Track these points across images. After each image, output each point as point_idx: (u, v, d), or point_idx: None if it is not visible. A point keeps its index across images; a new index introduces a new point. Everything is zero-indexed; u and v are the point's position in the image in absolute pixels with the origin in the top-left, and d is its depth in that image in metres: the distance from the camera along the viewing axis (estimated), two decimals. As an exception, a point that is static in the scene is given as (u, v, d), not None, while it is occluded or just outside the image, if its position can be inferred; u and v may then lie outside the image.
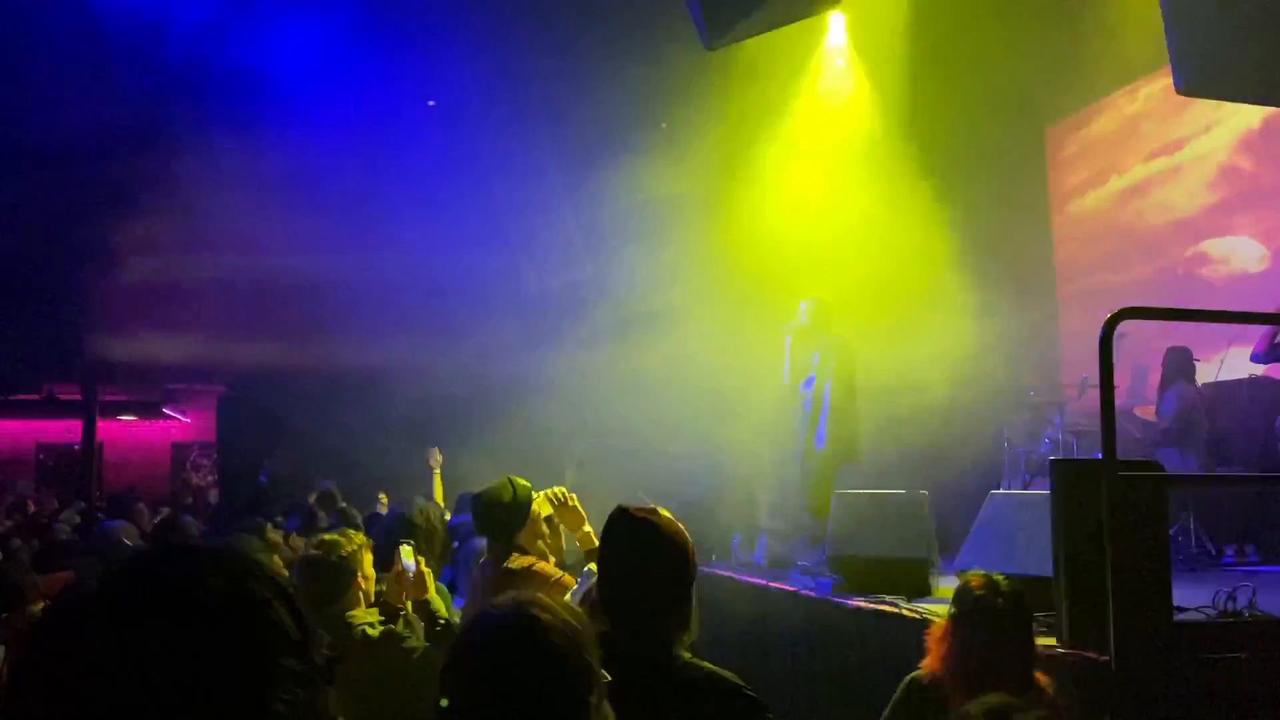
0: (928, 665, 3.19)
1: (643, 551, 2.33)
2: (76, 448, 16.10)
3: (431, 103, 11.75)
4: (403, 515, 4.72)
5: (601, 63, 11.22)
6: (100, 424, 15.97)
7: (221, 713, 1.01)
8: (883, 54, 10.48)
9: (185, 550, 1.14)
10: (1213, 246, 9.60)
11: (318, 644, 1.12)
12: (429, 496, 7.46)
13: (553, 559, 3.99)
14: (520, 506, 3.86)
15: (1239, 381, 7.62)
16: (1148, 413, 8.20)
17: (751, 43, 9.24)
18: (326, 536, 4.09)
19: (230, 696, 1.01)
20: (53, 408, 17.22)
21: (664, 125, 11.96)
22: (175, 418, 18.84)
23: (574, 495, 3.87)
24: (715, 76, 10.98)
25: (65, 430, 17.27)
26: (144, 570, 1.08)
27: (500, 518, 3.86)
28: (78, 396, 15.89)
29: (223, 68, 10.35)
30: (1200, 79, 4.41)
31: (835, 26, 10.98)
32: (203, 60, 10.26)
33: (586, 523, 3.80)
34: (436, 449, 8.37)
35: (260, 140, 10.59)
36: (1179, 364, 7.57)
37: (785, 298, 10.51)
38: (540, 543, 3.95)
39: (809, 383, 8.00)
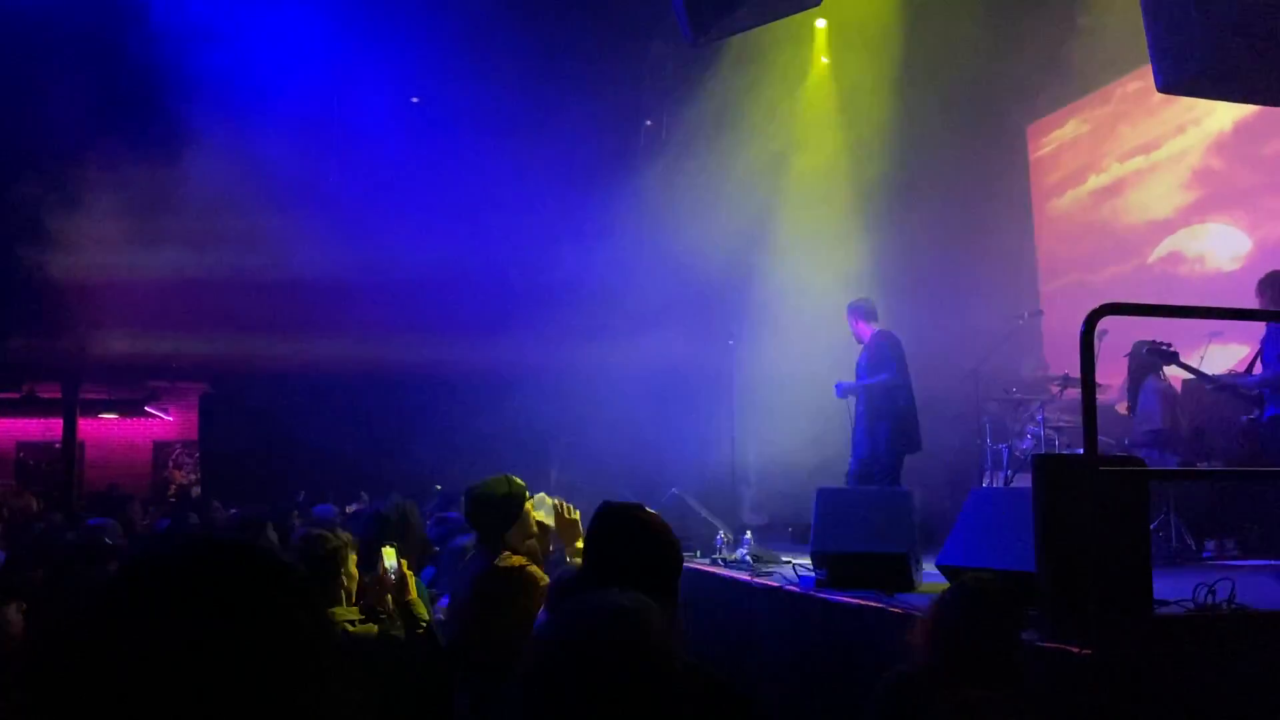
0: (913, 659, 3.20)
1: (628, 545, 2.34)
2: (57, 446, 15.99)
3: (415, 99, 11.73)
4: (379, 513, 4.70)
5: (586, 61, 11.22)
6: (81, 422, 15.86)
7: (240, 705, 1.01)
8: (866, 52, 10.51)
9: (201, 544, 1.13)
10: (1188, 246, 9.70)
11: (331, 637, 1.12)
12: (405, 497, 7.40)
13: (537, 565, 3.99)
14: (513, 502, 3.87)
15: (1218, 377, 7.65)
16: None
17: (738, 41, 9.27)
18: (313, 532, 4.09)
19: (248, 689, 1.01)
20: (33, 406, 17.08)
21: (648, 123, 11.97)
22: (157, 416, 18.72)
23: (576, 511, 3.87)
24: (701, 73, 11.01)
25: (45, 429, 17.14)
26: (160, 566, 1.08)
27: (492, 512, 3.86)
28: (58, 395, 15.78)
29: (206, 64, 10.28)
30: (1181, 77, 4.43)
31: (820, 25, 11.03)
32: (185, 57, 10.20)
33: (582, 539, 3.78)
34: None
35: (242, 137, 10.54)
36: (1148, 360, 7.55)
37: (769, 293, 10.57)
38: (529, 541, 3.95)
39: (856, 383, 8.14)
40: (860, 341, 8.23)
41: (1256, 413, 6.69)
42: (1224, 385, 7.02)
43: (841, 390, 8.10)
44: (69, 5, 9.92)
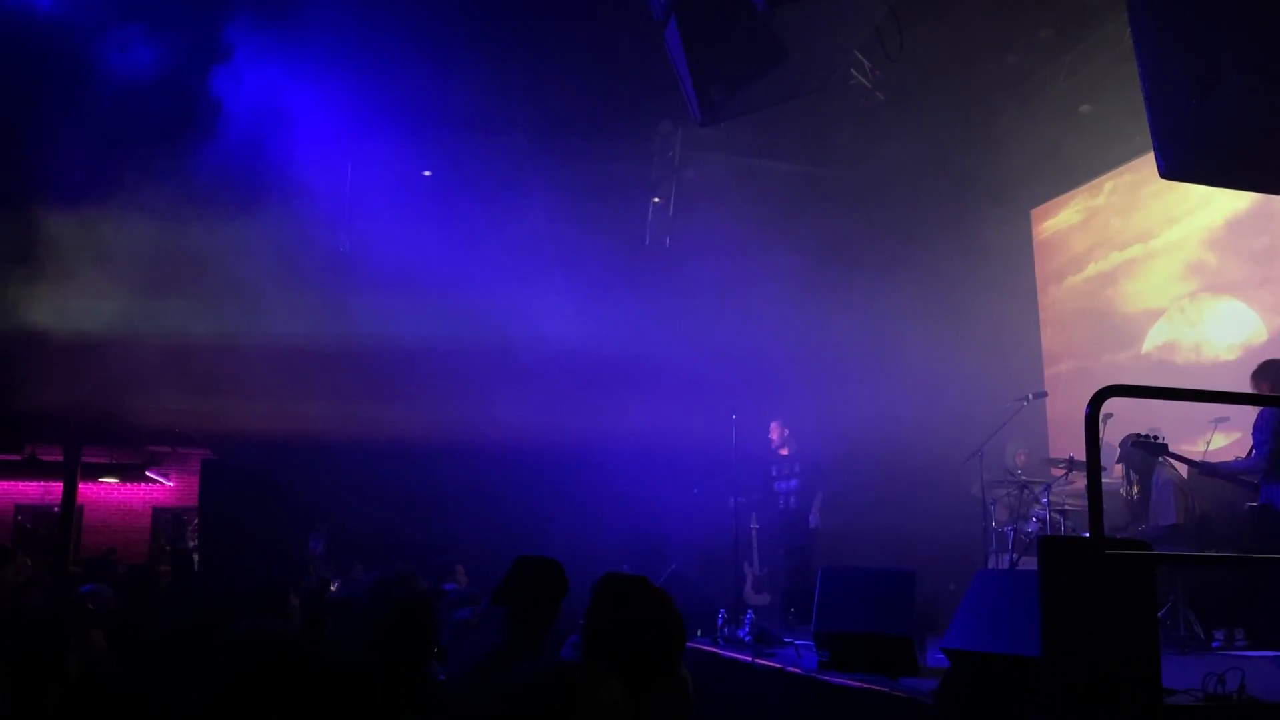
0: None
1: (631, 618, 2.30)
2: (56, 510, 15.88)
3: (427, 173, 11.90)
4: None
5: (598, 136, 11.40)
6: (81, 486, 15.77)
7: None
8: (876, 133, 10.66)
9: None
10: (1185, 335, 9.74)
11: None
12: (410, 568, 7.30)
13: None
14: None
15: (1207, 463, 7.56)
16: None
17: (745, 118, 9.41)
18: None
19: None
20: (34, 469, 17.01)
21: (656, 199, 12.11)
22: (158, 481, 18.65)
23: None
24: (708, 151, 11.17)
25: (45, 491, 17.06)
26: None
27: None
28: (59, 458, 15.71)
29: (219, 131, 10.42)
30: (1182, 165, 4.48)
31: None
32: (197, 121, 10.34)
33: None
34: None
35: (252, 204, 10.65)
36: (1140, 453, 7.39)
37: (771, 369, 10.59)
38: None
39: (786, 479, 9.40)
40: (782, 449, 9.57)
41: (1256, 500, 6.68)
42: (1215, 472, 7.02)
43: (813, 523, 9.24)
44: (87, 68, 10.08)
